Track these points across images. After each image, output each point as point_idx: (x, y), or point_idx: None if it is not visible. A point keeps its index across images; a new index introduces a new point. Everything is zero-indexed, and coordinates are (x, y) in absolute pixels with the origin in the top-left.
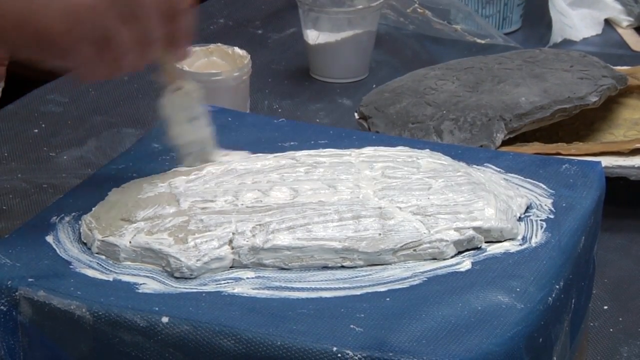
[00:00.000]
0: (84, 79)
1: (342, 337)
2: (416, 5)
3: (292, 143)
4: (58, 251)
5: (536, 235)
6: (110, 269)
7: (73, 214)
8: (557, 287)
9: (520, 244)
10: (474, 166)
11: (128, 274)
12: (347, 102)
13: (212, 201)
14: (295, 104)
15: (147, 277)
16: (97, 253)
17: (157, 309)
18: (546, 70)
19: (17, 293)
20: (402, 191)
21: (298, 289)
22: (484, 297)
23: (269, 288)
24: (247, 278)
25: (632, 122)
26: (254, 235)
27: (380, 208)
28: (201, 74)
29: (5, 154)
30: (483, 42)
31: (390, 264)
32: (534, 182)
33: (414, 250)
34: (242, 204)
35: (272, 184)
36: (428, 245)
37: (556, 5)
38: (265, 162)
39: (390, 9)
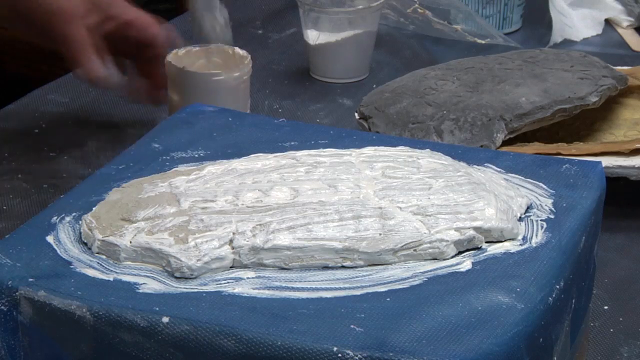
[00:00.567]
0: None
1: (343, 337)
2: (416, 5)
3: (292, 143)
4: (58, 251)
5: (536, 236)
6: (111, 268)
7: (73, 214)
8: (558, 287)
9: (520, 244)
10: (475, 166)
11: (128, 274)
12: (348, 102)
13: (212, 201)
14: (295, 104)
15: (148, 277)
16: (97, 253)
17: (157, 309)
18: (546, 70)
19: (17, 293)
20: (402, 191)
21: (298, 289)
22: (485, 297)
23: (269, 288)
24: (248, 278)
25: (633, 122)
26: (254, 235)
27: (380, 208)
28: (201, 74)
29: (6, 154)
30: (483, 42)
31: (390, 264)
32: (535, 182)
33: (415, 250)
34: (243, 204)
35: (272, 184)
36: (428, 245)
37: (556, 5)
38: (266, 162)
39: (390, 9)
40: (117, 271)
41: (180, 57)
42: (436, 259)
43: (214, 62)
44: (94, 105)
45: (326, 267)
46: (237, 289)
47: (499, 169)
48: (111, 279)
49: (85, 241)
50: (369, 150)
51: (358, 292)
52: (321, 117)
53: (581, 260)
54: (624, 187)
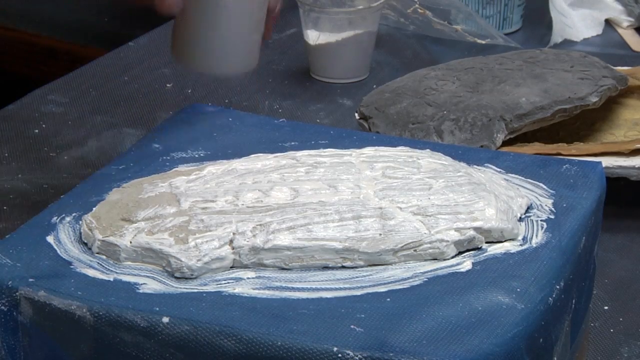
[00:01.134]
0: None
1: (343, 337)
2: (417, 5)
3: (292, 143)
4: (58, 251)
5: (537, 236)
6: (111, 269)
7: (73, 214)
8: (558, 287)
9: (520, 244)
10: (475, 166)
11: (129, 274)
12: (348, 102)
13: (212, 201)
14: (295, 104)
15: (148, 277)
16: (97, 253)
17: (157, 309)
18: (547, 70)
19: (17, 293)
20: (402, 191)
21: (298, 289)
22: (485, 298)
23: (269, 288)
24: (248, 278)
25: (633, 122)
26: (254, 236)
27: (380, 208)
28: None
29: (6, 154)
30: (483, 42)
31: (390, 264)
32: (535, 182)
33: (415, 250)
34: (243, 204)
35: (272, 184)
36: (428, 245)
37: (556, 5)
38: (266, 162)
39: (390, 10)
40: (117, 271)
41: None
42: (436, 259)
43: None
44: (94, 105)
45: (326, 268)
46: (237, 289)
47: (499, 169)
48: (111, 279)
49: (85, 241)
50: (369, 151)
51: (358, 293)
52: (321, 117)
53: (581, 260)
54: (624, 187)
